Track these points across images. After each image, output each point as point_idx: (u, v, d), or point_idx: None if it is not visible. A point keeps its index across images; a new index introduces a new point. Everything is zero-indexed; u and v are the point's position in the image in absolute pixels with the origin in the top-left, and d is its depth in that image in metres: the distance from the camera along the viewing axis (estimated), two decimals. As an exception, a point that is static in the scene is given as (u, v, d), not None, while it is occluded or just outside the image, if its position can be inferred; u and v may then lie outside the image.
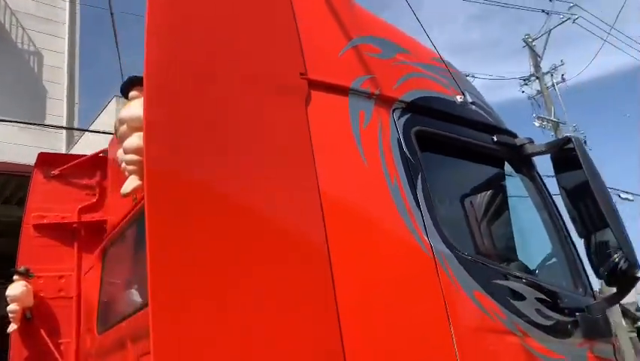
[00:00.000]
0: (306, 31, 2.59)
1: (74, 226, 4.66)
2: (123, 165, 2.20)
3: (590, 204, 2.86)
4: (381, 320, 2.18)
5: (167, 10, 2.06)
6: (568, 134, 3.27)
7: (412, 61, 3.14)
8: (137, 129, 2.14)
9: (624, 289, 2.83)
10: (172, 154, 1.91)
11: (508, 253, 3.12)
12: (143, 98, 2.07)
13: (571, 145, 2.97)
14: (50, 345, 4.29)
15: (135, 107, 2.15)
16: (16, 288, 4.20)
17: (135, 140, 2.14)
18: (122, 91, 2.36)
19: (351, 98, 2.68)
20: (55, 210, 4.65)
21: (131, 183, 2.11)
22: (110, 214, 4.31)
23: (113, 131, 2.31)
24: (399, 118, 2.83)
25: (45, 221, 4.58)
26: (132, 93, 2.29)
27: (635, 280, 2.79)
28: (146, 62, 1.91)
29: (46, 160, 4.83)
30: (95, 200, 4.77)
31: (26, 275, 4.30)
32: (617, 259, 2.77)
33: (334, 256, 2.11)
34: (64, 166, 4.80)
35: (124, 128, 2.20)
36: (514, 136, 3.38)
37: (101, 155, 4.98)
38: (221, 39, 2.27)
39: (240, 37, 2.35)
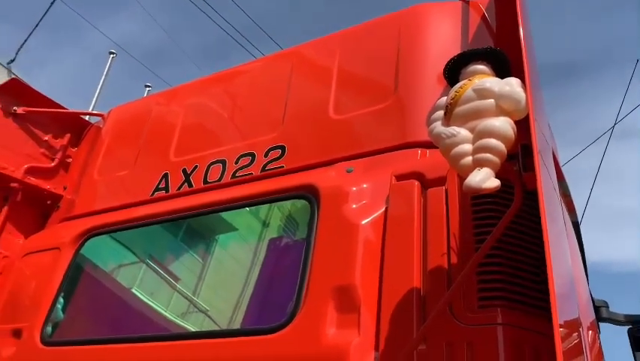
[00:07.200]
0: None
1: (14, 185, 3.46)
2: (463, 146, 1.60)
3: None
4: None
5: None
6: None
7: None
8: (509, 115, 1.62)
9: None
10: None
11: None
12: (518, 82, 1.63)
13: None
14: None
15: (512, 87, 1.64)
16: None
17: (507, 126, 1.60)
18: (455, 64, 1.81)
19: None
20: None
21: (485, 178, 1.51)
22: (81, 195, 3.54)
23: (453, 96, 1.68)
24: None
25: None
26: (479, 67, 1.76)
27: None
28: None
29: (15, 89, 3.65)
30: (50, 165, 3.67)
31: None
32: None
33: None
34: (35, 109, 3.67)
35: (488, 103, 1.63)
36: None
37: (85, 117, 3.96)
38: None
39: None
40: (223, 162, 2.95)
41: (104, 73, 11.86)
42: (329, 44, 3.05)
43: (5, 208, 3.42)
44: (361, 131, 2.60)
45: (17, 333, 2.85)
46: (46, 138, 3.72)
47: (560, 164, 2.97)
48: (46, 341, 2.71)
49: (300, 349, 1.98)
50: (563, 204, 2.54)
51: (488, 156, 1.55)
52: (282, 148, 2.79)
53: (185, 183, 3.01)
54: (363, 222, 2.15)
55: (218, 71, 3.53)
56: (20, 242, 3.46)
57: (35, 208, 3.58)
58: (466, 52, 1.81)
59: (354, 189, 2.29)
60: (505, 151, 1.58)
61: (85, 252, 3.01)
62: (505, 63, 1.77)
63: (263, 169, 2.78)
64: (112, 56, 12.40)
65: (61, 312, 2.87)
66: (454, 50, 2.47)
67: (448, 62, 1.83)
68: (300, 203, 2.49)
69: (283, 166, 2.72)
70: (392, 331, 1.86)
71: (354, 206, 2.23)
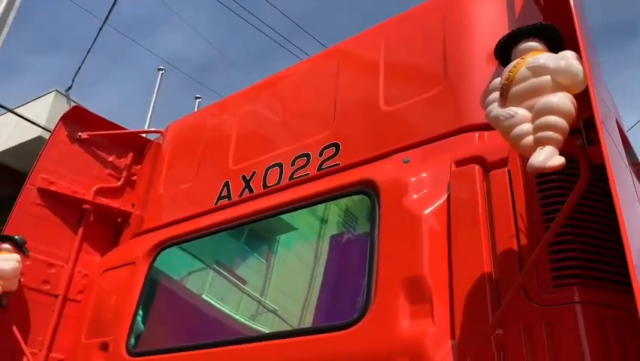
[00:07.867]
0: None
1: (86, 206, 3.63)
2: (523, 127, 1.58)
3: None
4: None
5: None
6: None
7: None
8: (567, 89, 1.59)
9: None
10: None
11: None
12: (573, 54, 1.57)
13: None
14: (23, 346, 3.12)
15: (567, 61, 1.60)
16: (7, 261, 3.04)
17: (567, 101, 1.57)
18: (506, 43, 1.79)
19: None
20: (68, 179, 3.62)
21: (549, 156, 1.48)
22: (149, 210, 3.66)
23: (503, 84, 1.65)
24: None
25: (53, 188, 3.51)
26: (531, 44, 1.73)
27: None
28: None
29: (78, 116, 3.83)
30: (117, 184, 3.82)
31: (21, 248, 3.16)
32: None
33: None
34: (98, 132, 3.84)
35: (544, 80, 1.61)
36: None
37: (144, 135, 4.10)
38: None
39: None
40: (280, 166, 3.00)
41: (156, 89, 12.28)
42: (373, 37, 3.04)
43: (80, 230, 3.61)
44: (415, 120, 2.59)
45: (104, 346, 3.01)
46: (110, 159, 3.89)
47: (625, 130, 2.85)
48: (132, 352, 2.86)
49: (376, 343, 2.00)
50: (632, 173, 2.44)
51: (549, 133, 1.52)
52: (336, 146, 2.81)
53: (246, 189, 3.09)
54: (426, 211, 2.14)
55: (266, 77, 3.61)
56: (97, 260, 3.64)
57: (107, 227, 3.75)
58: (515, 30, 1.77)
59: (413, 179, 2.29)
60: (567, 127, 1.54)
61: (158, 264, 3.15)
62: (558, 37, 1.72)
63: (319, 168, 2.82)
64: (161, 72, 12.82)
65: (141, 323, 3.01)
66: (501, 27, 2.42)
67: (499, 42, 1.79)
68: (359, 197, 2.52)
69: (339, 163, 2.74)
70: (467, 318, 1.85)
71: (415, 196, 2.22)
